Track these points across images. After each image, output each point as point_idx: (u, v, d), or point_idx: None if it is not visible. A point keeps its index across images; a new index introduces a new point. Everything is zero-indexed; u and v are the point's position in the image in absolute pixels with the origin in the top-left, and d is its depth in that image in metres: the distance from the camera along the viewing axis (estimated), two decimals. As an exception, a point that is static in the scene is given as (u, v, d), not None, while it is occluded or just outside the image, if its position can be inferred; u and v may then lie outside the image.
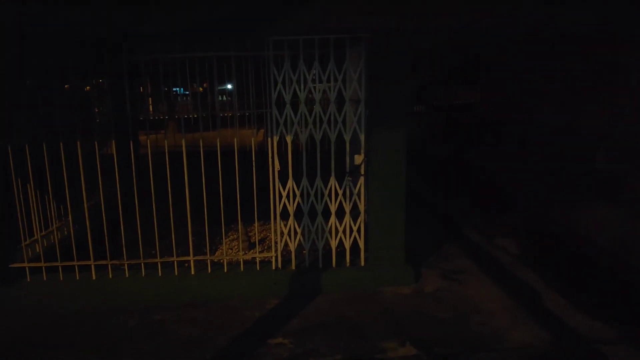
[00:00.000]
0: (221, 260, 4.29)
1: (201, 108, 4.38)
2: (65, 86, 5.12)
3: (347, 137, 4.15)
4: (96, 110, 5.91)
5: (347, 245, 4.32)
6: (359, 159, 4.24)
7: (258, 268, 4.29)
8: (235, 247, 5.15)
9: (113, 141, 5.12)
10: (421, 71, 13.29)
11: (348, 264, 4.34)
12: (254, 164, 4.24)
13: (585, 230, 5.34)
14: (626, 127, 6.24)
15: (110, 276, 4.14)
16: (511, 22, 3.56)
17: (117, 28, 3.59)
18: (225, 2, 3.50)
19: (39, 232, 4.34)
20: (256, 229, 4.33)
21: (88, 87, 5.81)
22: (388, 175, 4.15)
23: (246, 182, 4.33)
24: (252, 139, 4.41)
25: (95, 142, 4.16)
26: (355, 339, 3.42)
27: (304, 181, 4.18)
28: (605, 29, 4.94)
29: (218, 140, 4.07)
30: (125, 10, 3.48)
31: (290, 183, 4.19)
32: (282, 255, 4.33)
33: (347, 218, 4.28)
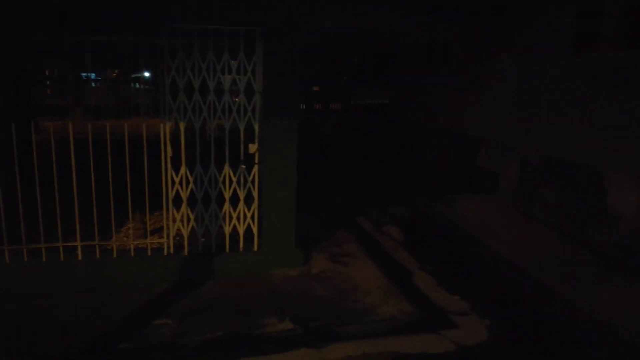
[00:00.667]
0: (110, 246, 4.27)
1: (112, 95, 4.30)
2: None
3: (241, 126, 4.30)
4: None
5: (241, 230, 4.48)
6: (253, 147, 4.41)
7: (149, 253, 4.32)
8: (131, 234, 5.10)
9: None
10: (338, 70, 13.76)
11: (241, 249, 4.50)
12: (145, 153, 4.22)
13: (460, 218, 5.94)
14: (498, 128, 7.01)
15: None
16: (376, 27, 3.91)
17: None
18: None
19: None
20: (147, 216, 4.35)
21: None
22: (280, 164, 4.37)
23: (155, 171, 4.30)
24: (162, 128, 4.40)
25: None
26: (238, 318, 3.60)
27: (197, 168, 4.27)
28: (466, 39, 5.53)
29: (126, 127, 4.03)
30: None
31: (183, 170, 4.26)
32: (175, 242, 4.39)
33: (241, 205, 4.43)
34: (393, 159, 9.45)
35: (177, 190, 4.29)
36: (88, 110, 13.50)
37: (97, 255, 4.20)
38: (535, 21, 6.18)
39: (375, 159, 9.85)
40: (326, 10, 3.74)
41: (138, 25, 3.88)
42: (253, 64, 4.19)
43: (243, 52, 4.14)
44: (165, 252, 4.35)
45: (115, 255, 4.25)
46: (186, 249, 4.39)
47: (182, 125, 4.18)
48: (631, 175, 4.84)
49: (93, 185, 3.96)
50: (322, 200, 7.23)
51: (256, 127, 4.35)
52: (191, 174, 4.28)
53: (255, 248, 4.53)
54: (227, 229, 4.45)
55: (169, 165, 4.22)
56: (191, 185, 4.30)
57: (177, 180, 4.27)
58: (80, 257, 4.15)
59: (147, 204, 4.24)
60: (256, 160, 4.40)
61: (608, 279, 4.21)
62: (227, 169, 4.35)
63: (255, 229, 4.50)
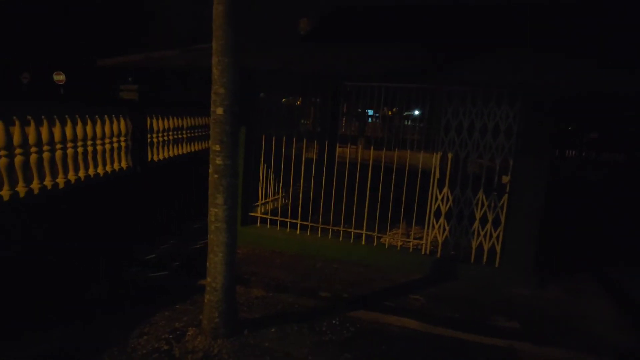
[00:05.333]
0: (383, 240, 5.79)
1: (388, 130, 5.93)
2: (297, 102, 7.32)
3: (497, 160, 5.25)
4: (302, 122, 7.92)
5: (486, 247, 5.37)
6: (505, 179, 5.28)
7: (410, 250, 5.66)
8: (400, 233, 6.58)
9: (314, 146, 7.07)
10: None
11: (484, 262, 5.39)
12: (419, 177, 5.60)
13: None
14: None
15: (308, 234, 5.99)
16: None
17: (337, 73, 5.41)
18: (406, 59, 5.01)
19: (267, 197, 6.47)
20: (413, 225, 5.70)
21: (299, 102, 7.87)
22: (528, 196, 5.10)
23: (422, 192, 5.69)
24: (434, 161, 5.80)
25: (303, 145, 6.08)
26: (473, 310, 4.54)
27: (457, 190, 5.41)
28: None
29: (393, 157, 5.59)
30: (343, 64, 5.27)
31: (445, 190, 5.47)
32: (431, 246, 5.60)
33: (489, 225, 5.34)
34: None
35: (439, 206, 5.51)
36: (368, 141, 16.39)
37: (374, 244, 5.77)
38: None
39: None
40: (576, 78, 4.38)
41: (429, 79, 5.27)
42: (514, 112, 5.10)
43: (507, 104, 5.11)
44: (423, 252, 5.61)
45: (386, 247, 5.75)
46: (439, 253, 5.54)
47: (450, 155, 5.40)
48: None
49: (380, 194, 5.56)
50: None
51: (511, 162, 5.22)
52: (452, 194, 5.44)
53: (497, 265, 5.34)
54: (474, 243, 5.42)
55: (435, 185, 5.50)
56: (450, 202, 5.47)
57: (439, 197, 5.50)
58: (363, 242, 5.80)
59: (414, 216, 5.60)
60: (507, 190, 5.24)
61: None
62: (480, 194, 5.34)
63: (498, 248, 5.32)
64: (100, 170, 5.35)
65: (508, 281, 5.22)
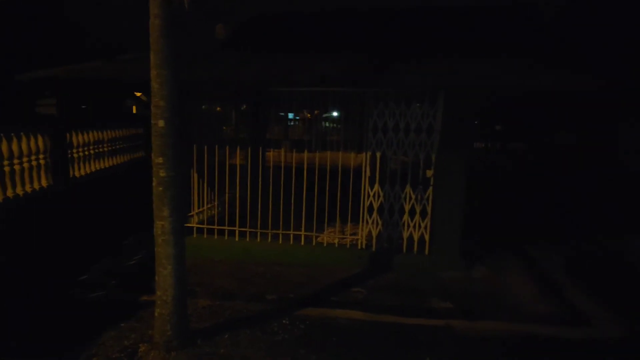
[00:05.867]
0: (321, 239, 6.00)
1: (309, 132, 6.15)
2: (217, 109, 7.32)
3: (421, 156, 5.67)
4: (224, 129, 7.89)
5: (416, 237, 5.77)
6: (429, 173, 5.72)
7: (348, 246, 5.92)
8: (337, 231, 6.83)
9: (247, 152, 7.13)
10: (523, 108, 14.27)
11: (415, 252, 5.78)
12: (351, 176, 5.89)
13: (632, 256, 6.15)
14: None
15: (248, 239, 6.04)
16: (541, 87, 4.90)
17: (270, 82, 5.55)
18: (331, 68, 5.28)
19: (201, 207, 6.43)
20: (348, 222, 5.97)
21: (219, 108, 7.82)
22: (451, 187, 5.57)
23: (354, 190, 5.96)
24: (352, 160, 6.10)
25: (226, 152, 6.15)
26: (411, 296, 4.89)
27: (387, 186, 5.76)
28: None
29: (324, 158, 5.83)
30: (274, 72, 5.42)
31: (376, 187, 5.80)
32: (366, 240, 5.91)
33: (417, 216, 5.75)
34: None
35: (371, 202, 5.83)
36: (300, 144, 16.65)
37: (313, 243, 5.96)
38: None
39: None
40: (495, 76, 4.91)
41: (358, 85, 5.56)
42: (435, 110, 5.54)
43: (428, 103, 5.54)
44: (359, 247, 5.90)
45: (325, 245, 5.97)
46: (374, 246, 5.86)
47: (378, 154, 5.74)
48: None
49: (316, 195, 5.76)
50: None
51: (433, 157, 5.66)
52: (382, 190, 5.79)
53: (427, 252, 5.76)
54: (405, 235, 5.80)
55: (367, 183, 5.81)
56: (381, 198, 5.80)
57: (371, 193, 5.82)
58: (302, 243, 5.97)
59: (349, 213, 5.87)
60: (431, 183, 5.68)
61: None
62: (408, 188, 5.73)
63: (427, 237, 5.74)
64: (19, 190, 5.01)
65: (439, 266, 5.65)
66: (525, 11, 6.93)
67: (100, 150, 6.69)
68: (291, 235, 5.97)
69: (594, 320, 4.35)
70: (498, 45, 6.18)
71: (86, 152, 6.23)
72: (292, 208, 5.93)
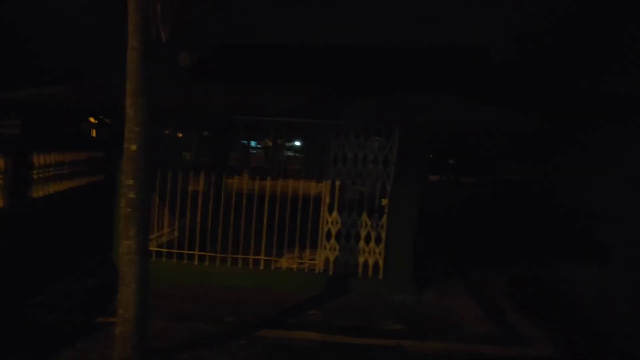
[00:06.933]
0: (280, 263, 6.19)
1: (270, 160, 6.43)
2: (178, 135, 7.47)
3: (377, 185, 6.03)
4: (184, 155, 8.03)
5: (371, 262, 6.07)
6: (384, 201, 6.07)
7: (306, 271, 6.14)
8: (295, 256, 7.01)
9: (211, 178, 7.28)
10: (476, 145, 14.94)
11: (370, 276, 6.06)
12: (311, 203, 6.17)
13: (563, 283, 6.68)
14: (615, 206, 7.60)
15: (207, 264, 6.13)
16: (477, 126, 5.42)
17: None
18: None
19: (160, 230, 6.49)
20: (307, 248, 6.20)
21: (180, 134, 7.94)
22: (404, 216, 5.94)
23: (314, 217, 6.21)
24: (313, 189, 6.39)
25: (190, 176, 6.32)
26: (364, 318, 5.13)
27: (344, 214, 6.06)
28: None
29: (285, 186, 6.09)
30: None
31: (335, 214, 6.09)
32: (324, 265, 6.14)
33: (372, 243, 6.06)
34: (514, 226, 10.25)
35: (329, 228, 6.10)
36: (253, 171, 16.86)
37: (272, 268, 6.14)
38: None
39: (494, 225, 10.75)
40: (441, 114, 5.40)
41: (318, 118, 5.91)
42: (391, 143, 5.95)
43: (384, 137, 5.95)
44: (317, 271, 6.12)
45: (283, 269, 6.15)
46: (331, 271, 6.10)
47: (337, 183, 6.06)
48: None
49: (276, 221, 5.98)
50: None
51: (388, 187, 6.03)
52: (340, 217, 6.08)
53: (381, 277, 6.05)
54: (361, 260, 6.09)
55: (325, 210, 6.09)
56: (339, 225, 6.09)
57: (330, 220, 6.10)
58: (262, 267, 6.13)
59: (308, 239, 6.11)
60: (386, 211, 6.03)
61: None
62: (364, 216, 6.06)
63: (381, 262, 6.05)
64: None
65: (392, 290, 5.95)
66: (480, 55, 7.59)
67: (61, 172, 6.68)
68: (250, 260, 6.12)
69: (530, 341, 4.73)
70: (450, 84, 6.74)
71: (47, 174, 6.21)
72: (253, 234, 6.11)
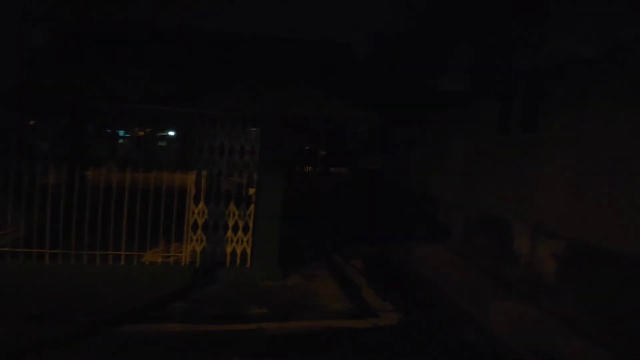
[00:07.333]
0: (145, 259, 6.00)
1: (138, 151, 6.20)
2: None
3: (245, 175, 6.14)
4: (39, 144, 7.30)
5: (239, 251, 6.16)
6: (251, 191, 6.21)
7: (172, 264, 6.03)
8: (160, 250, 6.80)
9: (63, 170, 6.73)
10: (345, 137, 15.63)
11: (238, 264, 6.16)
12: (175, 197, 6.06)
13: (410, 258, 7.51)
14: (451, 191, 8.70)
15: (60, 262, 5.69)
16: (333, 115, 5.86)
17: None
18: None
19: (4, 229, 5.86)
20: (172, 241, 6.08)
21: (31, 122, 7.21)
22: (270, 204, 6.14)
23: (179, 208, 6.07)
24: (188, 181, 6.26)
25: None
26: (231, 305, 5.23)
27: (211, 204, 6.07)
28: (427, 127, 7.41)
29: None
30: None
31: (201, 205, 6.06)
32: (190, 257, 6.08)
33: (239, 232, 6.15)
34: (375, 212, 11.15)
35: (195, 219, 6.06)
36: (119, 162, 15.78)
37: (135, 263, 5.92)
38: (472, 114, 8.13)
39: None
40: (299, 104, 5.70)
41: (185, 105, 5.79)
42: (256, 133, 6.09)
43: (250, 127, 6.07)
44: (183, 263, 6.05)
45: (147, 264, 5.97)
46: (198, 262, 6.08)
47: (204, 173, 6.03)
48: (526, 224, 6.38)
49: (137, 214, 5.77)
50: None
51: (255, 177, 6.18)
52: (207, 208, 6.07)
53: (249, 265, 6.20)
54: (229, 249, 6.16)
55: (192, 201, 6.03)
56: (205, 216, 6.08)
57: (196, 211, 6.06)
58: (123, 263, 5.87)
59: (173, 232, 6.01)
60: (253, 200, 6.18)
61: (500, 298, 5.75)
62: (232, 206, 6.13)
63: (249, 250, 6.19)
64: None
65: (259, 277, 6.13)
66: (341, 50, 8.04)
67: None
68: (110, 256, 5.83)
69: (380, 313, 5.28)
70: (317, 77, 7.06)
71: None
72: (112, 228, 5.81)
